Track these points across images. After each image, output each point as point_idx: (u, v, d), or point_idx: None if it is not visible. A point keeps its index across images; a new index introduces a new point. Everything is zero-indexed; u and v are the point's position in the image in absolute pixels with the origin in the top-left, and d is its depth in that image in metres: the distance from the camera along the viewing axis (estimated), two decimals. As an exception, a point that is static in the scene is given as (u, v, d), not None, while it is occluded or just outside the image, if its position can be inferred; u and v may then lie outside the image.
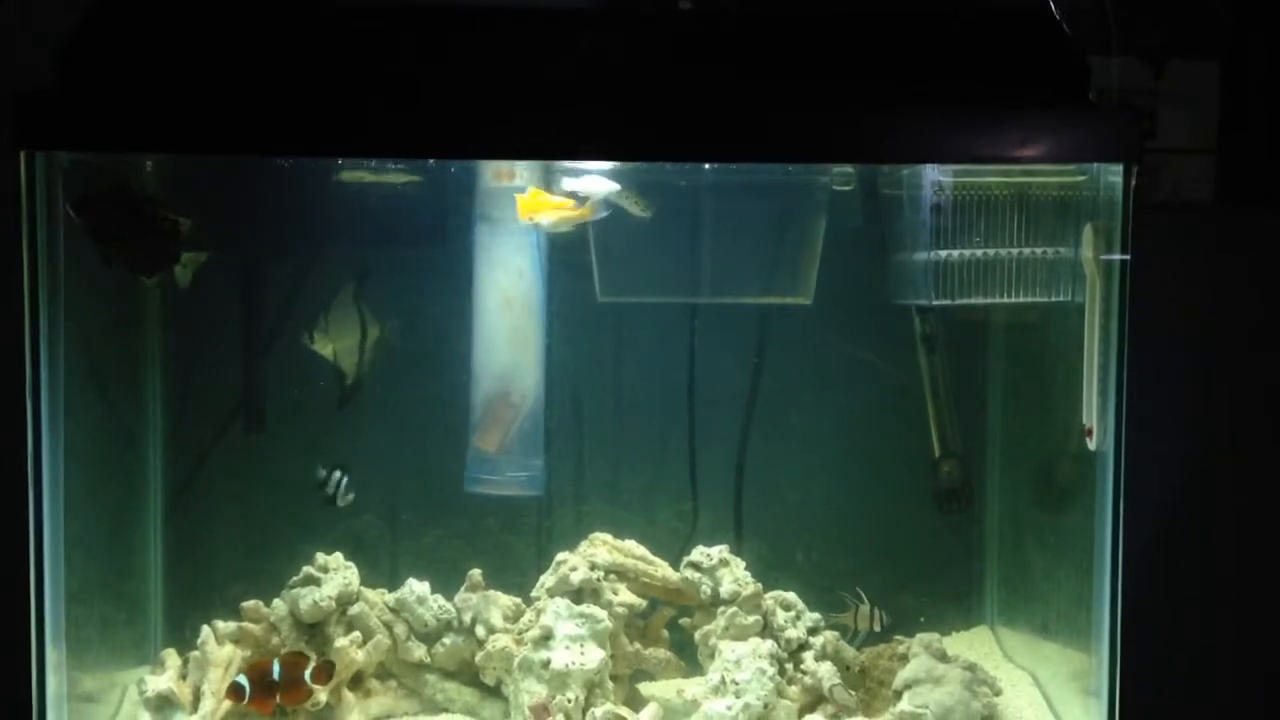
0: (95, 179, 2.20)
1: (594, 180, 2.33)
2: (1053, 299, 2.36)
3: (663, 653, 2.57)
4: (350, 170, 2.42)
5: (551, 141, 2.11)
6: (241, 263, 2.59)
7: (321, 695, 2.33)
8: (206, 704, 2.29)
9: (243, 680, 2.25)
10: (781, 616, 2.50)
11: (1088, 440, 2.25)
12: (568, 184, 2.35)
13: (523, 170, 2.43)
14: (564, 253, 2.48)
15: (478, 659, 2.46)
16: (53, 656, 2.15)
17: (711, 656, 2.46)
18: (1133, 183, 2.18)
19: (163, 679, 2.34)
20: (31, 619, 2.12)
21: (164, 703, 2.32)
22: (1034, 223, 2.34)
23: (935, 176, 2.33)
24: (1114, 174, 2.21)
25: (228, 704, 2.32)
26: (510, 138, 2.11)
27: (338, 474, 2.44)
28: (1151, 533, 2.32)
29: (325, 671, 2.30)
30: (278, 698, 2.26)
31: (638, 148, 2.14)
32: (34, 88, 2.05)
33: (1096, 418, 2.23)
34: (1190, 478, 2.71)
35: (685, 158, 2.23)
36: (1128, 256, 2.21)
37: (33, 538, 2.11)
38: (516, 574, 2.58)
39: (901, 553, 2.74)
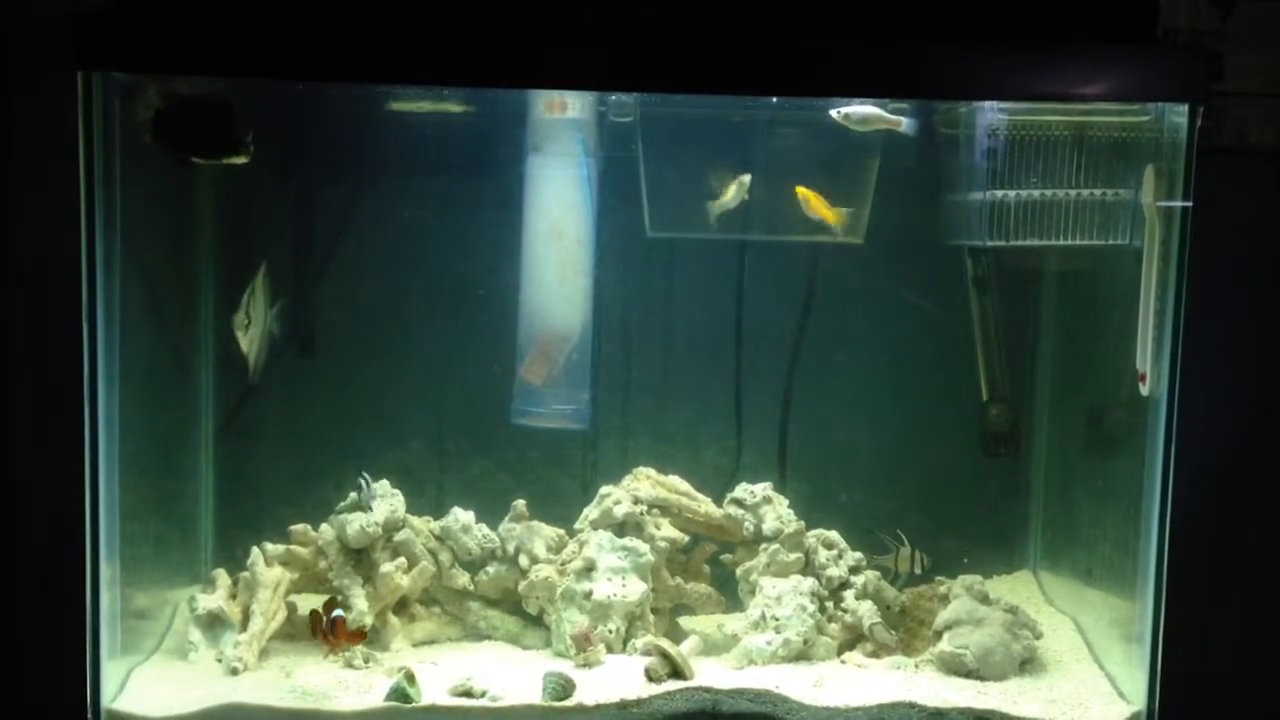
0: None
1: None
2: (1110, 242, 2.32)
3: (704, 587, 2.58)
4: (403, 99, 2.41)
5: (607, 73, 2.10)
6: (294, 191, 2.60)
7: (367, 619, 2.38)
8: (255, 623, 2.34)
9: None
10: (823, 555, 2.51)
11: (1140, 386, 2.22)
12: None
13: (573, 101, 2.42)
14: (615, 186, 2.46)
15: (520, 588, 2.49)
16: (106, 573, 2.19)
17: (752, 593, 2.48)
18: (1197, 124, 2.14)
19: (214, 598, 2.38)
20: (86, 536, 2.16)
21: (214, 620, 2.37)
22: (1093, 164, 2.31)
23: (993, 114, 2.29)
24: (1178, 115, 2.17)
25: (275, 624, 2.37)
26: (563, 69, 2.10)
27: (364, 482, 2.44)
28: (1202, 481, 2.30)
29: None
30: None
31: (692, 81, 2.12)
32: (91, 9, 2.05)
33: (1150, 363, 2.21)
34: (1243, 427, 2.67)
35: (742, 91, 2.20)
36: (1189, 203, 2.16)
37: (88, 456, 2.15)
38: (560, 506, 2.60)
39: (946, 495, 2.73)
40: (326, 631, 2.30)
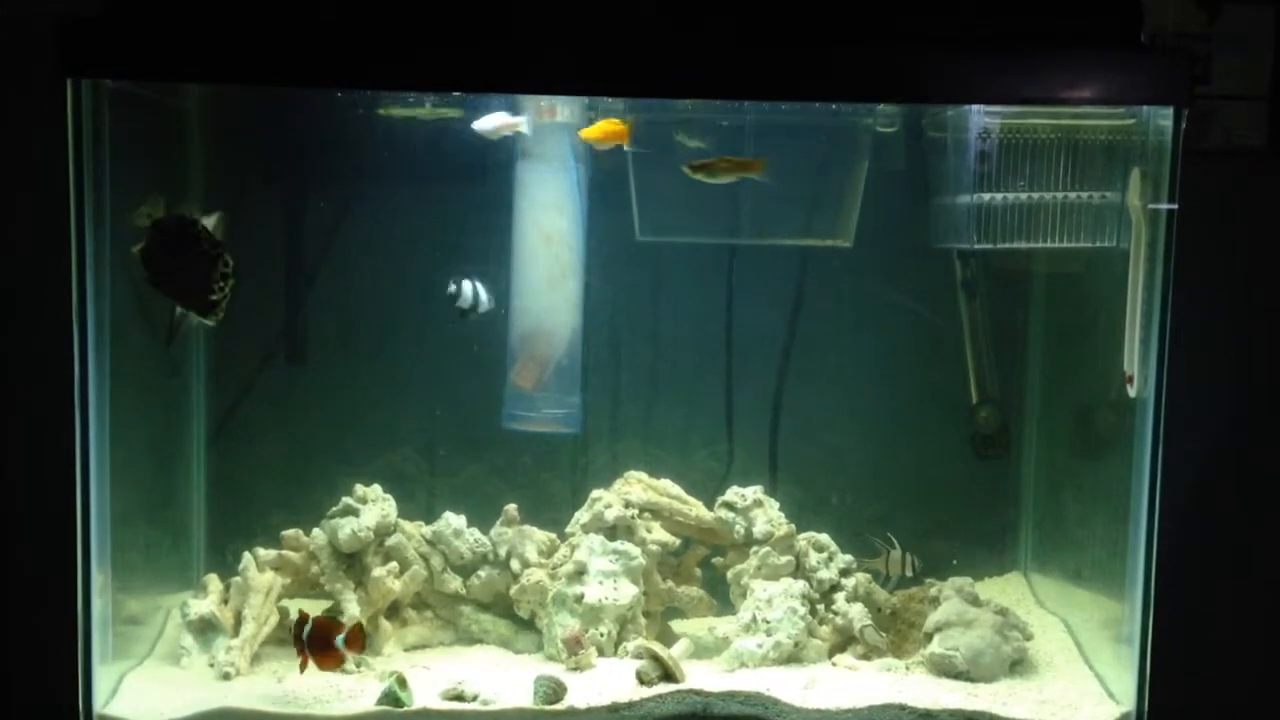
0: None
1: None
2: (1097, 244, 2.34)
3: (695, 591, 2.59)
4: (393, 105, 2.42)
5: (599, 77, 2.11)
6: (285, 198, 2.61)
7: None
8: (247, 628, 2.34)
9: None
10: (814, 557, 2.52)
11: (1128, 387, 2.23)
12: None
13: (563, 107, 2.42)
14: (604, 191, 2.47)
15: (512, 592, 2.50)
16: (98, 579, 2.19)
17: (743, 595, 2.49)
18: (1182, 127, 2.15)
19: (205, 603, 2.39)
20: (78, 542, 2.16)
21: (206, 626, 2.37)
22: (1080, 167, 2.32)
23: (980, 118, 2.31)
24: (1163, 118, 2.18)
25: (267, 629, 2.37)
26: (555, 73, 2.11)
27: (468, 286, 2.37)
28: (1189, 481, 2.30)
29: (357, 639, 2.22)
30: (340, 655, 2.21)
31: (678, 86, 2.13)
32: (80, 14, 2.05)
33: (1138, 365, 2.22)
34: (1230, 427, 2.68)
35: (728, 96, 2.21)
36: (1175, 205, 2.18)
37: (79, 462, 2.15)
38: (552, 510, 2.60)
39: (936, 497, 2.74)
40: (305, 647, 2.19)
